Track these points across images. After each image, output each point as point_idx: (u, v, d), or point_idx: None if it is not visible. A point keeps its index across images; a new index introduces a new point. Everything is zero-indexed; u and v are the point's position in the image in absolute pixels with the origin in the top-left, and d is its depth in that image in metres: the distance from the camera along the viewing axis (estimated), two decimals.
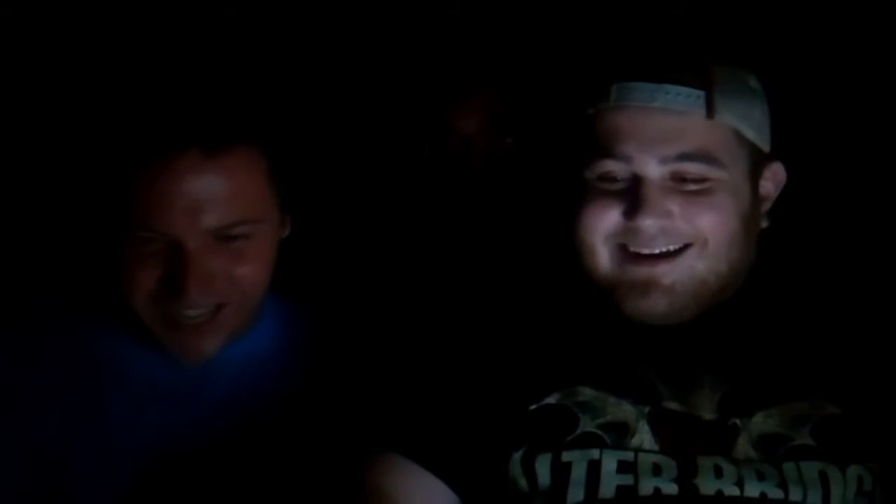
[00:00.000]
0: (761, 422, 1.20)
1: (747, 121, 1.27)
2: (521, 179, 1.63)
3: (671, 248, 1.24)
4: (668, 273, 1.24)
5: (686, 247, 1.24)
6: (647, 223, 1.22)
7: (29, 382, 1.39)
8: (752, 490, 1.16)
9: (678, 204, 1.23)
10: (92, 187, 1.36)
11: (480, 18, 1.80)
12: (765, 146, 1.30)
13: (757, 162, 1.29)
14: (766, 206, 1.32)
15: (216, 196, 1.28)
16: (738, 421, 1.20)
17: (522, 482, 1.20)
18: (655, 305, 1.24)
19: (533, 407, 1.22)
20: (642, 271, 1.24)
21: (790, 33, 1.67)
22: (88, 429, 1.37)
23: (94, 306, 1.42)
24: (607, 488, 1.17)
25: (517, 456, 1.20)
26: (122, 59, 1.75)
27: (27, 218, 1.77)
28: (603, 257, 1.26)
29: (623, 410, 1.21)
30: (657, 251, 1.24)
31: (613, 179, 1.25)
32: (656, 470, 1.17)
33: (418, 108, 1.71)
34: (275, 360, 1.43)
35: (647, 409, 1.21)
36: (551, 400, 1.22)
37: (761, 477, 1.17)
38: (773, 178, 1.32)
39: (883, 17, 1.62)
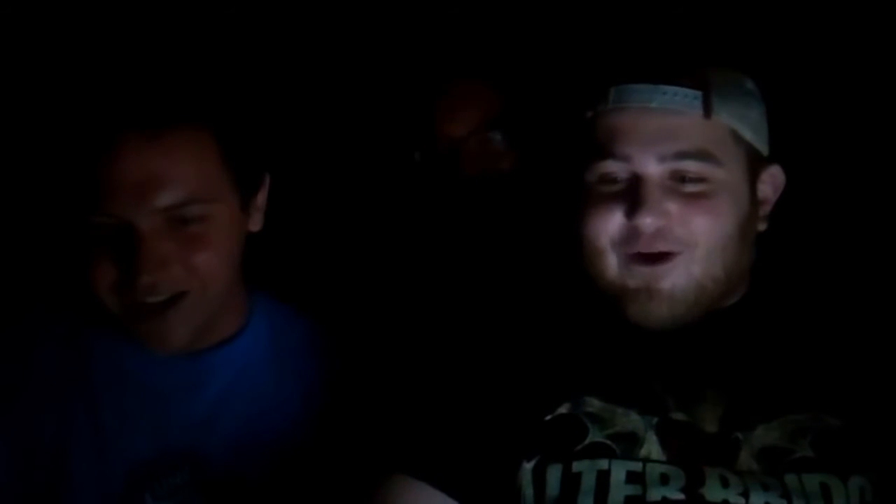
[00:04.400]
0: (762, 435, 1.22)
1: (744, 121, 1.29)
2: (519, 180, 1.61)
3: (668, 249, 1.25)
4: (667, 276, 1.24)
5: (679, 252, 1.25)
6: (647, 221, 1.23)
7: (24, 382, 1.38)
8: (758, 500, 1.17)
9: (677, 205, 1.24)
10: (44, 177, 1.36)
11: (477, 23, 1.78)
12: (763, 148, 1.32)
13: (755, 163, 1.30)
14: (764, 210, 1.33)
15: (162, 175, 1.28)
16: (739, 434, 1.22)
17: (529, 491, 1.21)
18: (658, 310, 1.25)
19: (548, 417, 1.23)
20: (643, 276, 1.25)
21: (788, 37, 1.68)
22: (83, 429, 1.37)
23: (90, 306, 1.40)
24: (616, 498, 1.18)
25: (528, 466, 1.21)
26: (62, 45, 1.71)
27: (13, 220, 1.74)
28: (610, 262, 1.26)
29: (631, 421, 1.22)
30: (657, 251, 1.25)
31: (614, 181, 1.27)
32: (664, 480, 1.19)
33: (405, 112, 1.67)
34: (269, 363, 1.43)
35: (654, 420, 1.22)
36: (563, 410, 1.23)
37: (766, 488, 1.19)
38: (772, 182, 1.34)
39: (881, 20, 1.63)
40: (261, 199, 1.40)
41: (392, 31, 1.79)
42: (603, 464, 1.19)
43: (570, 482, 1.19)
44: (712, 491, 1.18)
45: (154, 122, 1.27)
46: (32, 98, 1.52)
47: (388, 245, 1.65)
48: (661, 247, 1.24)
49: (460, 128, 1.63)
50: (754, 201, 1.30)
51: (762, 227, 1.33)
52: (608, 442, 1.21)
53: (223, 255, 1.33)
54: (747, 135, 1.29)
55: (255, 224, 1.39)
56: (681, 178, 1.25)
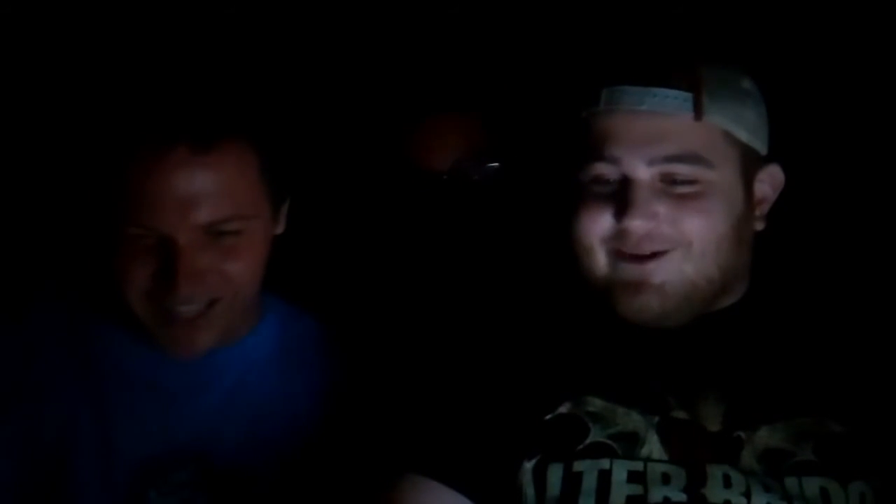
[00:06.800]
0: (766, 436, 1.22)
1: (739, 122, 1.28)
2: (515, 189, 1.60)
3: (658, 250, 1.25)
4: (657, 272, 1.25)
5: (671, 249, 1.25)
6: (635, 224, 1.24)
7: (29, 377, 1.38)
8: (759, 501, 1.17)
9: (666, 206, 1.24)
10: (84, 184, 1.36)
11: (471, 25, 1.77)
12: (761, 148, 1.31)
13: (751, 163, 1.30)
14: (762, 209, 1.33)
15: (206, 192, 1.28)
16: (742, 434, 1.22)
17: (530, 491, 1.21)
18: (648, 304, 1.25)
19: (548, 417, 1.23)
20: (633, 271, 1.25)
21: (787, 35, 1.67)
22: (87, 426, 1.37)
23: (96, 304, 1.42)
24: (617, 498, 1.18)
25: (529, 465, 1.21)
26: (112, 56, 1.72)
27: (26, 216, 1.74)
28: (600, 259, 1.27)
29: (632, 420, 1.22)
30: (647, 252, 1.25)
31: (606, 182, 1.27)
32: (665, 479, 1.18)
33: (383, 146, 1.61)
34: (277, 363, 1.44)
35: (656, 419, 1.22)
36: (563, 409, 1.23)
37: (767, 489, 1.18)
38: (771, 181, 1.33)
39: (882, 17, 1.62)
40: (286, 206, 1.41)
41: (396, 27, 1.78)
42: (604, 463, 1.19)
43: (572, 482, 1.19)
44: (714, 491, 1.17)
45: (202, 138, 1.27)
46: (82, 108, 1.52)
47: (391, 245, 1.63)
48: (649, 248, 1.24)
49: (438, 163, 1.59)
50: (750, 201, 1.30)
51: (760, 226, 1.32)
52: (609, 441, 1.21)
53: (256, 264, 1.35)
54: (742, 135, 1.28)
55: (279, 228, 1.41)
56: (671, 180, 1.25)
